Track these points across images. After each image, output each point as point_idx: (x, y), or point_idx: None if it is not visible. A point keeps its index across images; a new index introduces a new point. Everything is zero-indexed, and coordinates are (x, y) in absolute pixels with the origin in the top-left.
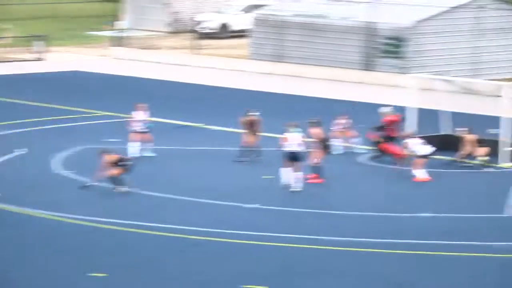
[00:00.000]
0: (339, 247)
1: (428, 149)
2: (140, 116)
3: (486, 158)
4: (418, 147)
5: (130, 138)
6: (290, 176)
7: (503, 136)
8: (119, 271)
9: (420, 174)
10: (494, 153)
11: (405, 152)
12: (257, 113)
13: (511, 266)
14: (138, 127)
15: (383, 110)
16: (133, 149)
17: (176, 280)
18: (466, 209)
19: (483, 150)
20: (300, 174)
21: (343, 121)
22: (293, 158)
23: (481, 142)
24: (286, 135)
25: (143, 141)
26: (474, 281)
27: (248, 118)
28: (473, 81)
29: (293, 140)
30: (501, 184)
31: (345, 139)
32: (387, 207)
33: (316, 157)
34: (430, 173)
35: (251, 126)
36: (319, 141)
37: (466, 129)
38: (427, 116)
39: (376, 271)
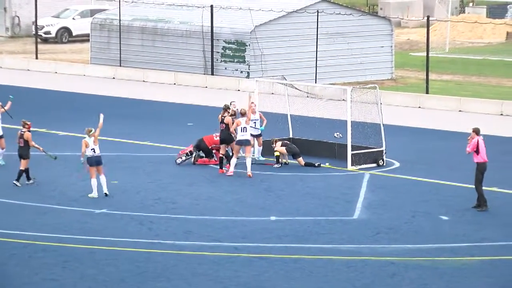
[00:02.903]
0: (187, 251)
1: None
2: None
3: (278, 154)
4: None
5: None
6: (95, 182)
7: (348, 140)
8: None
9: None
10: (341, 157)
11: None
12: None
13: (358, 267)
14: None
15: None
16: None
17: (26, 286)
18: (314, 212)
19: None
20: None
21: None
22: (96, 162)
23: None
24: (85, 140)
25: None
26: (323, 283)
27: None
28: (317, 85)
29: (90, 145)
30: (348, 187)
31: None
32: (233, 210)
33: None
34: (276, 176)
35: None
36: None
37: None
38: (271, 119)
39: (225, 274)
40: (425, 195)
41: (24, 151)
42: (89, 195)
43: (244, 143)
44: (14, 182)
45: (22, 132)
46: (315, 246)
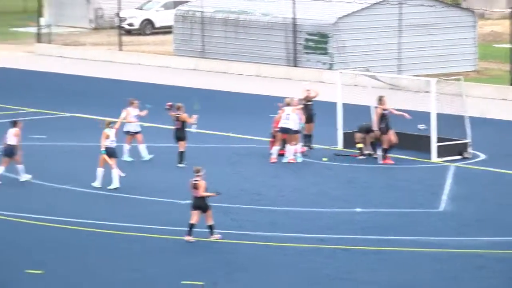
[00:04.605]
0: (274, 242)
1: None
2: (134, 113)
3: (361, 145)
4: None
5: (127, 140)
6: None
7: (432, 132)
8: (53, 268)
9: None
10: (425, 149)
11: None
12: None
13: (444, 259)
14: (132, 127)
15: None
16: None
17: (112, 277)
18: (398, 204)
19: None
20: (117, 171)
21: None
22: (115, 154)
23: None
24: (106, 132)
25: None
26: (408, 275)
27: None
28: (400, 77)
29: (111, 137)
30: (433, 179)
31: None
32: (318, 202)
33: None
34: (359, 168)
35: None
36: None
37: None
38: (354, 111)
39: (309, 266)
40: (511, 187)
41: (181, 133)
42: (94, 184)
43: (287, 131)
44: (178, 165)
45: (178, 115)
46: (400, 238)
